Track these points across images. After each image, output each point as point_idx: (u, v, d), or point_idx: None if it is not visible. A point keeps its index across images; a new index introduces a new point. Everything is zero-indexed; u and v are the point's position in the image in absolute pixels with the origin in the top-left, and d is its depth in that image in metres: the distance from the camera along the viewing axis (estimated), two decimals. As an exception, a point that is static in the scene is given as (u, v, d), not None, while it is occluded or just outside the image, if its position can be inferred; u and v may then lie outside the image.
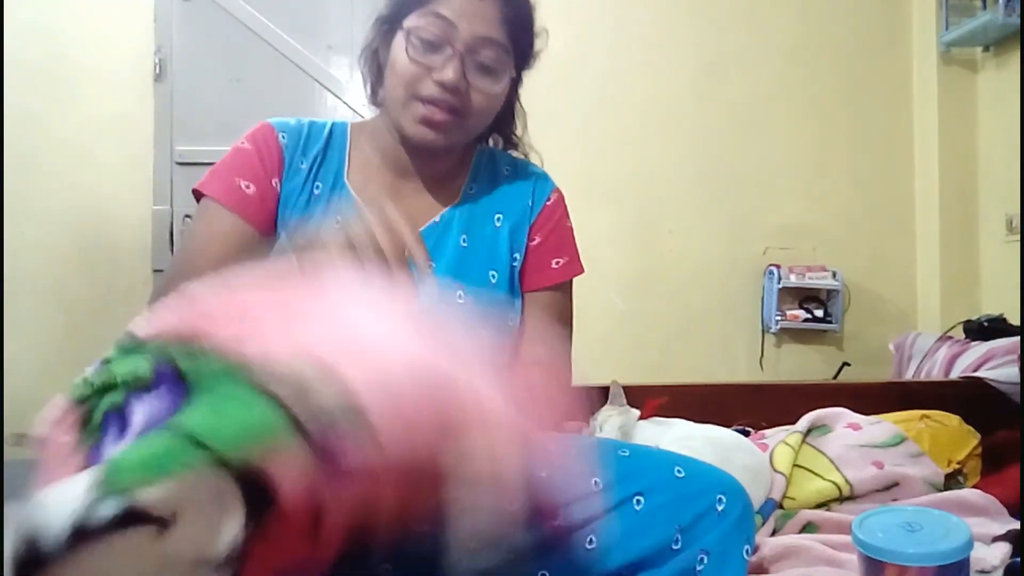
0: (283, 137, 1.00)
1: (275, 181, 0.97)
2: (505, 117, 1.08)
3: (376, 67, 1.02)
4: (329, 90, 2.90)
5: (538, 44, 1.02)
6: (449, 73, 0.90)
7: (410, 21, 0.93)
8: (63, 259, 2.79)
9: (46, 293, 2.78)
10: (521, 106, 1.09)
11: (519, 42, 0.97)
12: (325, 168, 1.00)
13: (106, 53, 2.83)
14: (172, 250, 2.82)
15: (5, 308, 2.57)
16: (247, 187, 0.95)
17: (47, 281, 2.78)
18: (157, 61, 2.84)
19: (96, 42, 2.83)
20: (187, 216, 2.81)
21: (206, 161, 2.85)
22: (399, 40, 0.94)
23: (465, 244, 1.01)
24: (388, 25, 0.97)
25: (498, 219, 1.04)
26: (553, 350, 1.01)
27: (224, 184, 0.95)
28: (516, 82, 1.04)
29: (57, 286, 2.78)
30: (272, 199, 0.97)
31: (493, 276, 1.01)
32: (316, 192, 0.99)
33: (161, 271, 2.82)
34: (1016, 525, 1.18)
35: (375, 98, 1.05)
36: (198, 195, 0.97)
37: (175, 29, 2.86)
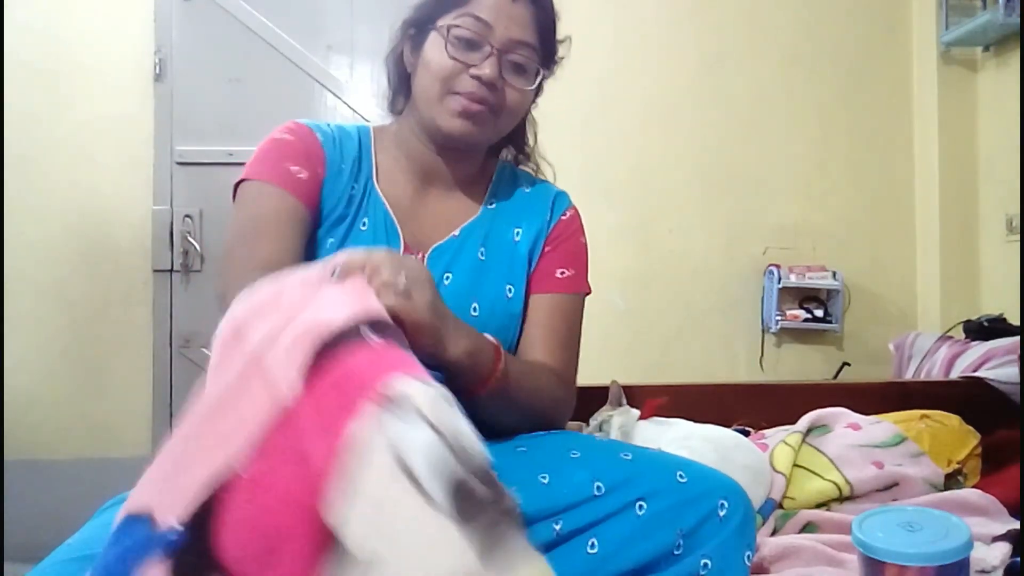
0: (321, 137, 1.01)
1: (320, 173, 0.98)
2: (518, 127, 1.09)
3: (401, 71, 1.03)
4: (329, 90, 2.90)
5: (561, 51, 1.04)
6: (487, 69, 0.94)
7: (445, 21, 0.95)
8: (63, 259, 2.79)
9: (46, 293, 2.78)
10: (533, 117, 1.12)
11: (548, 46, 1.00)
12: (361, 171, 1.02)
13: (106, 53, 2.83)
14: (172, 250, 2.82)
15: (5, 308, 2.57)
16: (299, 172, 0.95)
17: (47, 281, 2.78)
18: (157, 61, 2.84)
19: (96, 42, 2.83)
20: (187, 216, 2.81)
21: (206, 161, 2.89)
22: (434, 39, 0.96)
23: (483, 258, 1.02)
24: (417, 28, 1.00)
25: (517, 233, 1.05)
26: (548, 354, 1.01)
27: (276, 168, 0.95)
28: (536, 91, 1.05)
29: (57, 286, 2.78)
30: (317, 190, 0.97)
31: (510, 290, 1.01)
32: (353, 193, 1.00)
33: (161, 271, 2.82)
34: (1016, 525, 1.18)
35: (395, 105, 1.06)
36: (239, 186, 0.97)
37: (175, 29, 2.86)
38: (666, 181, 3.00)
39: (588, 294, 1.08)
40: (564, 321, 1.04)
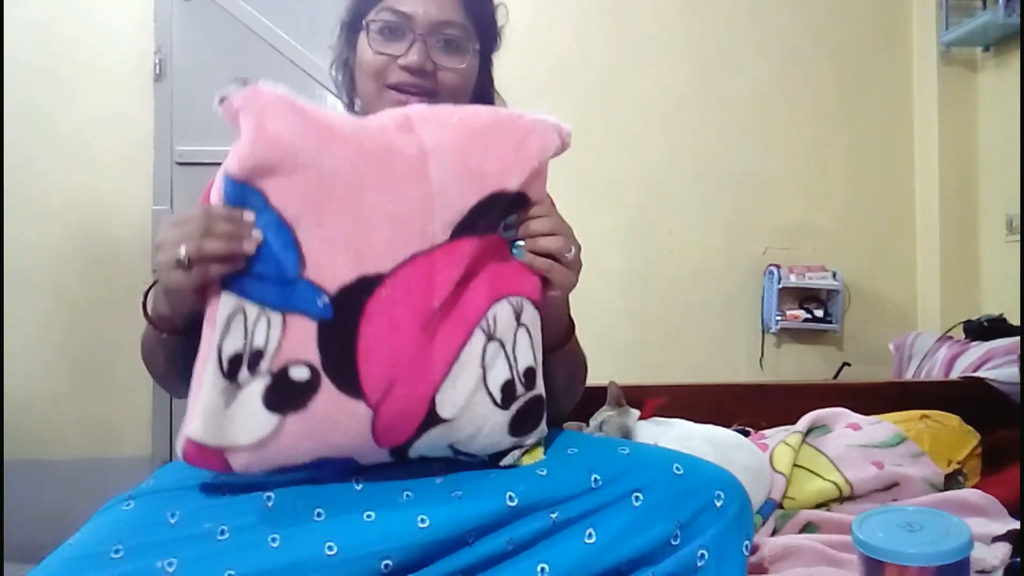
0: None
1: None
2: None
3: (350, 76, 1.05)
4: (329, 90, 2.89)
5: (499, 19, 1.04)
6: (413, 56, 0.94)
7: (369, 17, 0.96)
8: (63, 259, 2.79)
9: (46, 293, 2.77)
10: (499, 94, 1.10)
11: (479, 19, 0.99)
12: None
13: (106, 53, 2.83)
14: (172, 250, 2.82)
15: (5, 308, 2.57)
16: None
17: (47, 281, 2.78)
18: (157, 61, 2.84)
19: (96, 42, 2.83)
20: (187, 216, 2.81)
21: (206, 161, 2.89)
22: (363, 37, 0.97)
23: None
24: (351, 30, 1.01)
25: None
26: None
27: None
28: (487, 66, 1.05)
29: (57, 286, 2.78)
30: None
31: None
32: None
33: (161, 271, 2.82)
34: (1016, 525, 1.18)
35: (353, 108, 1.07)
36: None
37: (175, 29, 2.85)
38: (666, 181, 3.00)
39: None
40: (566, 307, 1.07)
